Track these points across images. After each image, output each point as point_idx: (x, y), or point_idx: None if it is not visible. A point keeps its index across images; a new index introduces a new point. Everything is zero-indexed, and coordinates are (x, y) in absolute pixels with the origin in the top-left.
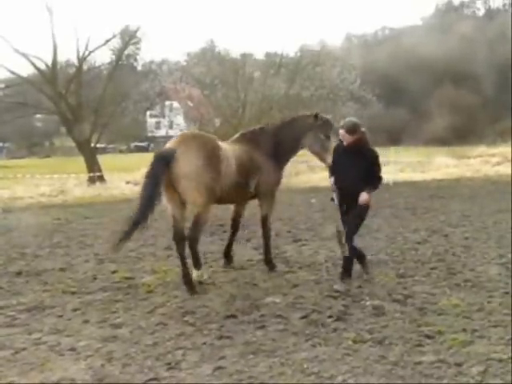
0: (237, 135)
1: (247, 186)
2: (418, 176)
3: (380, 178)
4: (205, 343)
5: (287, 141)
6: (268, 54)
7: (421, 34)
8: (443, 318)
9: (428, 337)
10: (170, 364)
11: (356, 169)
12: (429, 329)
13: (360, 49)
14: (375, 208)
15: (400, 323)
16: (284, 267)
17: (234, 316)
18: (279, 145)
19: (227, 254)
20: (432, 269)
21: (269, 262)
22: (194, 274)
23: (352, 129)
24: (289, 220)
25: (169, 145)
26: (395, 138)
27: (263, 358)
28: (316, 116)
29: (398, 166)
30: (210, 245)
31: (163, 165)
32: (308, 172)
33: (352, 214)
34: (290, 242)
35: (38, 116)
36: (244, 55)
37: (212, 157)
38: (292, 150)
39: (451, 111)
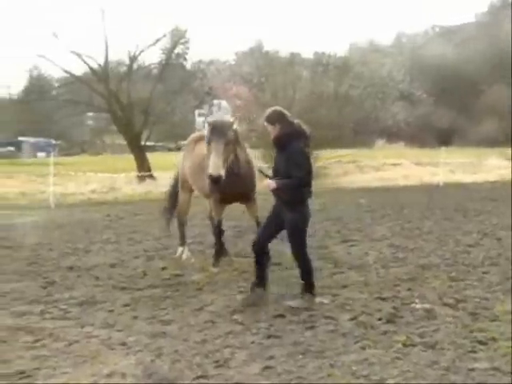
0: None
1: None
2: (469, 178)
3: (299, 178)
4: (253, 342)
5: None
6: (316, 53)
7: (472, 31)
8: (497, 324)
9: (481, 343)
10: (218, 362)
11: (280, 169)
12: (482, 335)
13: (410, 47)
14: (425, 210)
15: (452, 328)
16: (333, 267)
17: (282, 316)
18: None
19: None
20: (484, 273)
21: None
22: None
23: (271, 118)
24: (337, 220)
25: None
26: (445, 139)
27: (312, 358)
28: None
29: (448, 167)
30: None
31: None
32: (356, 172)
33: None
34: (338, 242)
35: (90, 114)
36: (292, 54)
37: None
38: None
39: (502, 111)
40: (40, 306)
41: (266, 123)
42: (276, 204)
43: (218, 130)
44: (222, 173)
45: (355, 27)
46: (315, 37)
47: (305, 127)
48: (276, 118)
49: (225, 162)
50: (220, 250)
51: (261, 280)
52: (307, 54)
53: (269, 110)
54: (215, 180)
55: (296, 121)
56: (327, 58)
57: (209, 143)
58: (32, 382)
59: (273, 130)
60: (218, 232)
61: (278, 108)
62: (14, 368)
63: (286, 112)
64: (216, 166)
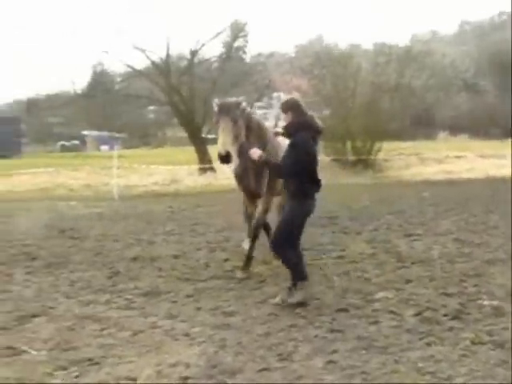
0: None
1: None
2: None
3: (285, 167)
4: (316, 336)
5: None
6: (376, 44)
7: None
8: None
9: None
10: (281, 355)
11: (285, 157)
12: None
13: (475, 36)
14: (490, 203)
15: None
16: (396, 262)
17: (345, 310)
18: None
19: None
20: None
21: None
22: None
23: (284, 106)
24: (400, 214)
25: None
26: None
27: (376, 354)
28: None
29: None
30: (321, 237)
31: None
32: (419, 165)
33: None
34: (401, 236)
35: (151, 108)
36: (352, 46)
37: None
38: None
39: None
40: (106, 296)
41: (280, 110)
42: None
43: (225, 109)
44: (231, 150)
45: (416, 16)
46: (375, 27)
47: (318, 121)
48: (289, 107)
49: (234, 141)
50: (250, 247)
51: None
52: (367, 45)
53: (284, 98)
54: (222, 158)
55: (310, 113)
56: (388, 48)
57: (217, 123)
58: (100, 369)
59: (285, 119)
60: (255, 227)
61: (294, 97)
62: (82, 355)
63: (301, 102)
64: (223, 142)
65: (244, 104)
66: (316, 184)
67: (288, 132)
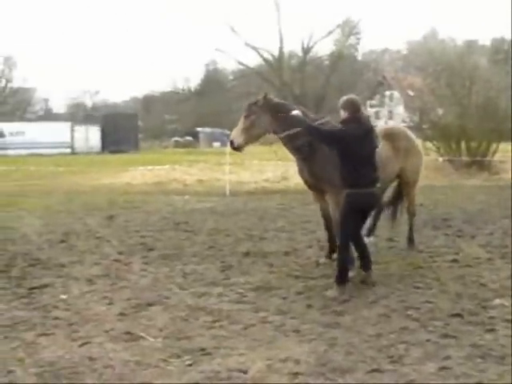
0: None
1: None
2: None
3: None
4: (429, 340)
5: None
6: (495, 40)
7: None
8: None
9: None
10: (392, 357)
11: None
12: None
13: None
14: None
15: None
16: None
17: (459, 315)
18: None
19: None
20: None
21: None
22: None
23: (343, 103)
24: None
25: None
26: None
27: (493, 363)
28: None
29: None
30: (434, 239)
31: None
32: None
33: None
34: None
35: None
36: (468, 41)
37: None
38: None
39: None
40: (218, 289)
41: (339, 107)
42: None
43: (245, 107)
44: (240, 140)
45: None
46: (493, 22)
47: (370, 120)
48: (348, 106)
49: (244, 132)
50: (330, 241)
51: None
52: (484, 40)
53: (345, 97)
54: (233, 147)
55: (366, 114)
56: (508, 44)
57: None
58: (212, 359)
59: (342, 115)
60: (325, 222)
61: (354, 97)
62: (195, 345)
63: (359, 104)
64: (234, 133)
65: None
66: (369, 176)
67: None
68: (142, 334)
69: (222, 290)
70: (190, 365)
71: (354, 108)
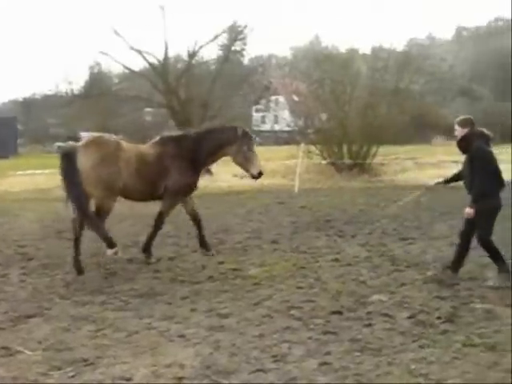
0: (156, 138)
1: (153, 185)
2: None
3: (481, 186)
4: (310, 338)
5: (206, 148)
6: (374, 49)
7: None
8: None
9: None
10: (276, 356)
11: (467, 171)
12: None
13: (472, 41)
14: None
15: None
16: (390, 265)
17: (339, 312)
18: (198, 151)
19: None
20: None
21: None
22: (109, 252)
23: (462, 122)
24: (395, 218)
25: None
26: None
27: (369, 356)
28: (236, 129)
29: None
30: (316, 240)
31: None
32: (415, 169)
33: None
34: (396, 240)
35: (148, 110)
36: (351, 50)
37: (110, 156)
38: (210, 157)
39: None
40: (102, 297)
41: (456, 126)
42: None
43: None
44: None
45: (414, 21)
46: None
47: (486, 131)
48: (468, 123)
49: None
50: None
51: (456, 264)
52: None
53: (462, 116)
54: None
55: (481, 129)
56: (387, 53)
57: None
58: (95, 369)
59: (460, 133)
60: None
61: (471, 117)
62: (77, 355)
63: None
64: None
65: None
66: (501, 183)
67: (463, 143)
68: (20, 348)
69: (106, 297)
70: (73, 376)
71: (473, 125)
